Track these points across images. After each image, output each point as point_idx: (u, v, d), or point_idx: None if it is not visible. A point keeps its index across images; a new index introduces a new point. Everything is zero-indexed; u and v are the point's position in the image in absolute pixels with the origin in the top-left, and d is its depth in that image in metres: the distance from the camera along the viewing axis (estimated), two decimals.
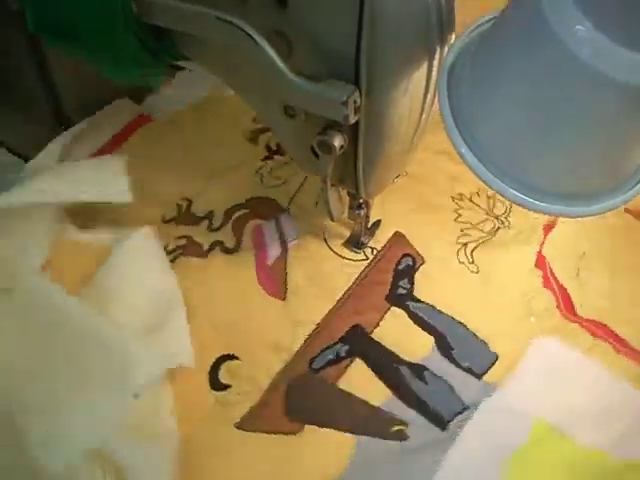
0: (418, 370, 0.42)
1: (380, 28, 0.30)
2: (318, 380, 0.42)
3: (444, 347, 0.43)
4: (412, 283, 0.47)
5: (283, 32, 0.34)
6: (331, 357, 0.43)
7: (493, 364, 0.42)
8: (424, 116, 0.38)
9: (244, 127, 0.58)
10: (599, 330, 0.43)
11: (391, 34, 0.31)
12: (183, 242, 0.50)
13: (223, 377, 0.43)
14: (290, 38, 0.34)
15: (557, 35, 0.23)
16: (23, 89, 0.50)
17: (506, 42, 0.26)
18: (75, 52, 0.39)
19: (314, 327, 0.45)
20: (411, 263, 0.48)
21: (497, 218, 0.51)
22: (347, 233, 0.50)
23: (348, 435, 0.40)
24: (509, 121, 0.27)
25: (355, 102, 0.32)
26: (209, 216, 0.52)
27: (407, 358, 0.43)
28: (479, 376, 0.42)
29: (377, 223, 0.50)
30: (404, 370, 0.42)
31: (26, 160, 0.49)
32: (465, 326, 0.44)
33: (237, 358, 0.44)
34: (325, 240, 0.50)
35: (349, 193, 0.46)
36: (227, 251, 0.50)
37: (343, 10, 0.30)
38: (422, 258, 0.48)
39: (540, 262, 0.47)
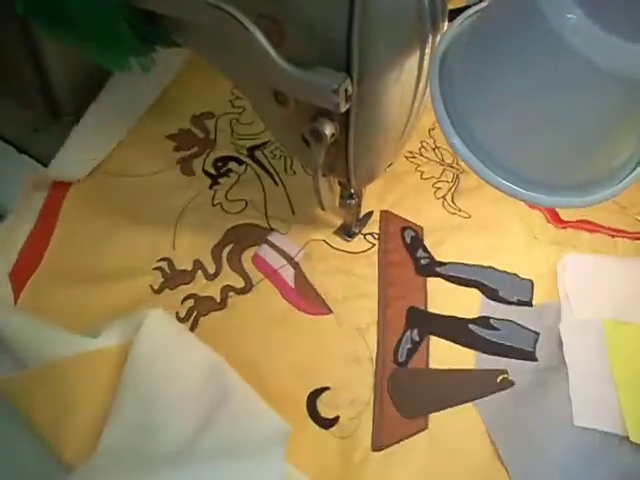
0: (483, 322, 0.45)
1: (372, 15, 0.31)
2: (411, 372, 0.43)
3: (490, 293, 0.46)
4: (427, 251, 0.49)
5: (275, 18, 0.33)
6: (409, 346, 0.43)
7: (532, 289, 0.47)
8: (416, 105, 0.38)
9: (171, 159, 0.53)
10: (589, 225, 0.50)
11: (383, 22, 0.31)
12: (191, 303, 0.45)
13: (325, 412, 0.41)
14: (282, 24, 0.33)
15: (549, 23, 0.23)
16: (14, 75, 0.49)
17: (498, 30, 0.26)
18: (65, 38, 0.37)
19: (375, 327, 0.44)
20: (414, 234, 0.50)
21: (451, 166, 0.54)
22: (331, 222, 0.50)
23: (468, 405, 0.41)
24: (501, 110, 0.27)
25: (346, 90, 0.32)
26: (198, 266, 0.47)
27: (468, 316, 0.45)
28: (529, 304, 0.46)
29: (369, 213, 0.50)
30: (473, 327, 0.45)
31: (17, 147, 0.48)
32: (493, 268, 0.48)
33: (327, 388, 0.42)
34: (325, 241, 0.49)
35: (340, 182, 0.46)
36: (242, 292, 0.46)
37: None
38: (419, 226, 0.50)
39: None
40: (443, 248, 0.49)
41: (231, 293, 0.46)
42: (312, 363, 0.42)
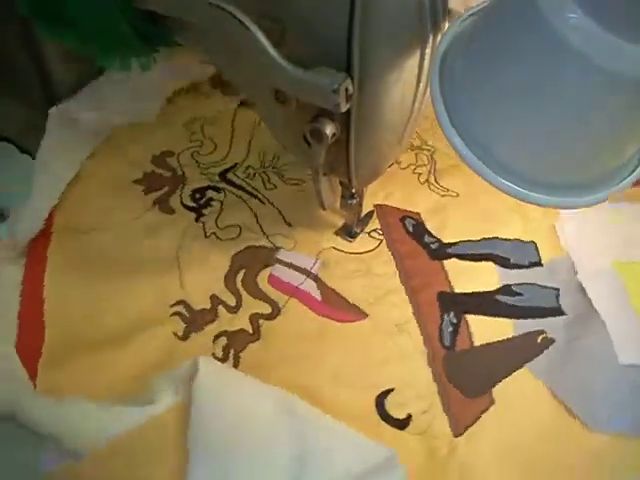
0: (507, 290, 0.47)
1: (372, 15, 0.31)
2: (461, 353, 0.43)
3: (503, 262, 0.48)
4: (433, 235, 0.50)
5: (276, 18, 0.33)
6: (450, 329, 0.44)
7: (537, 250, 0.49)
8: (416, 105, 0.39)
9: (146, 202, 0.51)
10: None
11: (383, 21, 0.32)
12: (224, 341, 0.43)
13: (396, 414, 0.41)
14: (283, 24, 0.33)
15: (550, 23, 0.23)
16: (15, 75, 0.48)
17: (499, 30, 0.26)
18: (66, 38, 0.37)
19: (413, 319, 0.45)
20: (414, 222, 0.51)
21: (421, 148, 0.56)
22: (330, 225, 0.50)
23: (522, 371, 0.43)
24: (502, 110, 0.27)
25: (347, 90, 0.32)
26: (217, 301, 0.45)
27: (491, 288, 0.47)
28: (540, 263, 0.48)
29: (370, 213, 0.50)
30: (500, 297, 0.46)
31: (16, 144, 0.48)
32: (497, 238, 0.50)
33: (390, 390, 0.41)
34: (334, 248, 0.49)
35: (341, 182, 0.46)
36: (272, 317, 0.45)
37: None
38: (416, 213, 0.51)
39: None
40: (447, 230, 0.50)
41: (261, 321, 0.44)
42: (366, 369, 0.42)
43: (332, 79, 0.31)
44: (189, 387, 0.37)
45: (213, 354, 0.42)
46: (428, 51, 0.35)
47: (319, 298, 0.45)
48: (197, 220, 0.50)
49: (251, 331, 0.43)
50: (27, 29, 0.45)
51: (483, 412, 0.40)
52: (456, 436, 0.39)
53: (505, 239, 0.49)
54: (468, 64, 0.29)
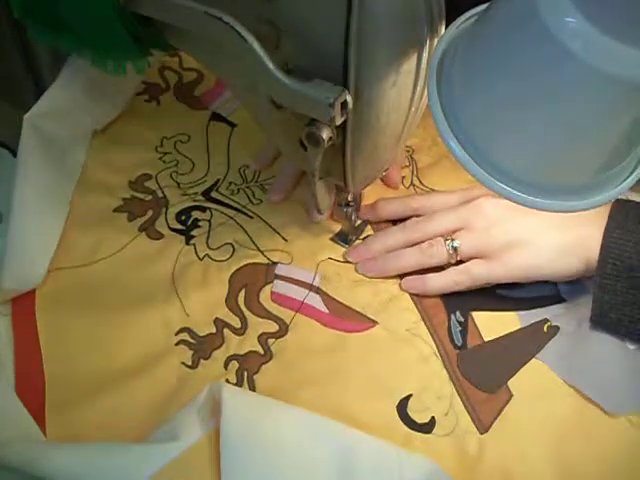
0: (506, 284, 0.47)
1: (368, 19, 0.31)
2: (473, 351, 0.44)
3: None
4: None
5: (272, 22, 0.33)
6: (460, 329, 0.45)
7: None
8: (413, 109, 0.39)
9: (131, 230, 0.50)
10: None
11: (379, 25, 0.32)
12: (236, 365, 0.42)
13: (420, 418, 0.41)
14: (279, 28, 0.33)
15: (548, 27, 0.23)
16: (8, 78, 0.49)
17: (496, 34, 0.26)
18: (60, 42, 0.38)
19: (422, 322, 0.45)
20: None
21: None
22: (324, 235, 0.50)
23: (534, 361, 0.43)
24: (500, 114, 0.27)
25: (342, 104, 0.32)
26: (222, 324, 0.44)
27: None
28: None
29: (365, 221, 0.50)
30: (500, 291, 0.47)
31: (11, 150, 0.47)
32: None
33: (410, 395, 0.41)
34: (331, 259, 0.48)
35: (337, 187, 0.46)
36: (281, 334, 0.44)
37: (331, 0, 0.31)
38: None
39: None
40: None
41: (271, 340, 0.43)
42: (383, 378, 0.41)
43: (328, 93, 0.32)
44: (214, 418, 0.35)
45: (227, 380, 0.41)
46: (425, 55, 0.35)
47: (326, 310, 0.44)
48: (187, 243, 0.48)
49: (262, 352, 0.42)
50: (20, 32, 0.45)
51: (504, 406, 0.40)
52: (482, 433, 0.39)
53: None
54: (466, 69, 0.29)
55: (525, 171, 0.28)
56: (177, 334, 0.43)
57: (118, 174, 0.53)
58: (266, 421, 0.35)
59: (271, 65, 0.32)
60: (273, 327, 0.43)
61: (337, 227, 0.50)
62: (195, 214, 0.51)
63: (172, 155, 0.55)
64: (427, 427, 0.39)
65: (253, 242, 0.48)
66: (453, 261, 0.44)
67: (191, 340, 0.42)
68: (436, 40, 0.35)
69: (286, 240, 0.48)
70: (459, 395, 0.41)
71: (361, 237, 0.49)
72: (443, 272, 0.44)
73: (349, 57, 0.32)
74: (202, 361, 0.42)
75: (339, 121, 0.33)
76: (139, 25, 0.35)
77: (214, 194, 0.52)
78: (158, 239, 0.48)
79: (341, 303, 0.45)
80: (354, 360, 0.42)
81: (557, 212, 0.29)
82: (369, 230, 0.50)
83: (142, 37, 0.36)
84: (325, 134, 0.34)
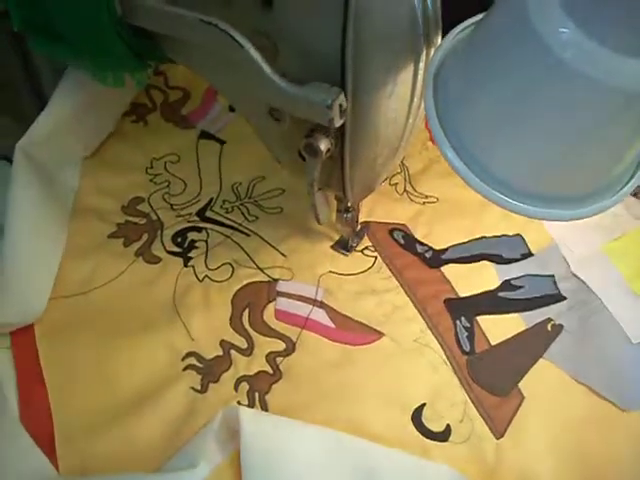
0: (507, 286, 0.48)
1: (365, 30, 0.31)
2: (481, 356, 0.44)
3: (496, 259, 0.49)
4: (425, 244, 0.50)
5: (269, 34, 0.33)
6: (466, 334, 0.45)
7: (525, 242, 0.51)
8: (410, 120, 0.39)
9: (128, 255, 0.49)
10: None
11: (376, 36, 0.32)
12: (247, 387, 0.42)
13: (435, 427, 0.41)
14: (276, 40, 0.33)
15: (542, 37, 0.23)
16: (9, 91, 0.49)
17: (492, 45, 0.26)
18: (60, 54, 0.39)
19: (429, 331, 0.45)
20: (403, 233, 0.51)
21: None
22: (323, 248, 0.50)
23: (541, 362, 0.44)
24: (497, 124, 0.27)
25: (340, 105, 0.32)
26: (228, 346, 0.44)
27: (493, 286, 0.48)
28: (531, 254, 0.50)
29: (366, 227, 0.50)
30: (502, 294, 0.47)
31: (10, 161, 0.45)
32: (484, 237, 0.51)
33: (423, 405, 0.41)
34: (332, 272, 0.48)
35: (336, 197, 0.46)
36: (288, 352, 0.44)
37: (328, 11, 0.31)
38: (402, 224, 0.52)
39: None
40: (434, 236, 0.50)
41: (279, 358, 0.43)
42: (395, 389, 0.41)
43: (326, 94, 0.32)
44: (233, 442, 0.35)
45: (238, 402, 0.40)
46: (422, 65, 0.35)
47: (331, 325, 0.44)
48: (186, 265, 0.48)
49: (271, 371, 0.42)
50: (21, 44, 0.45)
51: (517, 409, 0.41)
52: (498, 438, 0.39)
53: (492, 237, 0.50)
54: (462, 79, 0.29)
55: (522, 180, 0.28)
56: (184, 359, 0.42)
57: (110, 199, 0.52)
58: (286, 441, 0.35)
59: (268, 69, 0.32)
60: (280, 345, 0.43)
61: (335, 236, 0.50)
62: (191, 235, 0.50)
63: (163, 176, 0.54)
64: (443, 435, 0.39)
65: (252, 260, 0.48)
66: None
67: (198, 364, 0.42)
68: (432, 50, 0.35)
69: (285, 256, 0.48)
70: (472, 401, 0.41)
71: (357, 249, 0.49)
72: None
73: (346, 68, 0.32)
74: (211, 385, 0.41)
75: (338, 123, 0.32)
76: (136, 37, 0.35)
77: (209, 213, 0.52)
78: (156, 263, 0.48)
79: (346, 316, 0.45)
80: (364, 373, 0.42)
81: (554, 221, 0.29)
82: (365, 241, 0.50)
83: (139, 49, 0.36)
84: (323, 145, 0.34)
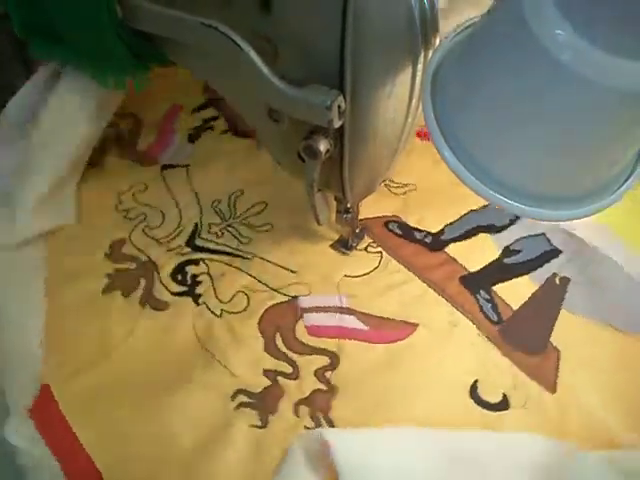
0: (508, 252, 0.49)
1: (363, 31, 0.32)
2: (509, 322, 0.46)
3: (491, 229, 0.52)
4: (421, 230, 0.52)
5: (268, 36, 0.34)
6: (490, 305, 0.47)
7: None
8: (409, 120, 0.39)
9: (133, 307, 0.46)
10: None
11: (375, 36, 0.33)
12: (306, 410, 0.41)
13: (493, 399, 0.42)
14: (275, 42, 0.34)
15: (539, 39, 0.23)
16: (10, 94, 0.48)
17: (489, 47, 0.27)
18: (61, 58, 0.40)
19: (456, 310, 0.46)
20: (398, 223, 0.52)
21: None
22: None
23: (564, 313, 0.46)
24: (495, 126, 0.27)
25: (339, 107, 0.32)
26: (273, 374, 0.43)
27: (496, 255, 0.50)
28: (519, 217, 0.53)
29: (366, 227, 0.50)
30: (507, 260, 0.50)
31: None
32: (472, 210, 0.53)
33: (476, 381, 0.43)
34: (347, 276, 0.49)
35: (336, 198, 0.46)
36: (334, 365, 0.43)
37: (327, 12, 0.31)
38: (395, 215, 0.53)
39: None
40: (427, 221, 0.51)
41: (327, 373, 0.43)
42: (446, 373, 0.42)
43: (325, 96, 0.32)
44: (323, 465, 0.34)
45: (305, 427, 0.39)
46: (420, 66, 0.36)
47: (365, 328, 0.44)
48: (197, 303, 0.46)
49: (325, 387, 0.41)
50: (22, 48, 0.44)
51: (558, 363, 0.43)
52: (553, 393, 0.41)
53: (479, 208, 0.52)
54: (460, 81, 0.29)
55: (520, 181, 0.29)
56: (233, 398, 0.41)
57: (89, 251, 0.48)
58: (381, 450, 0.35)
59: (267, 71, 0.32)
60: (323, 360, 0.43)
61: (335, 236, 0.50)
62: (190, 269, 0.48)
63: (136, 209, 0.51)
64: (503, 404, 0.41)
65: (263, 284, 0.47)
66: None
67: (250, 400, 0.41)
68: (430, 51, 0.35)
69: (294, 272, 0.47)
70: (516, 365, 0.43)
71: (359, 248, 0.50)
72: None
73: (345, 69, 0.32)
74: (271, 417, 0.40)
75: (337, 124, 0.33)
76: (137, 40, 0.36)
77: (199, 242, 0.50)
78: (165, 309, 0.45)
79: (375, 316, 0.45)
80: (412, 366, 0.43)
81: (554, 221, 0.30)
82: (366, 239, 0.50)
83: (141, 52, 0.37)
84: (322, 146, 0.35)
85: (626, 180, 0.30)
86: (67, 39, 0.37)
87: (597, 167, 0.28)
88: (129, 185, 0.53)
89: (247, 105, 0.38)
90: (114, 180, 0.53)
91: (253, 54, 0.32)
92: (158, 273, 0.47)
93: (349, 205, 0.46)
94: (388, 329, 0.44)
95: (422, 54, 0.35)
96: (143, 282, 0.47)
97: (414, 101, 0.37)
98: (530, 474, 0.34)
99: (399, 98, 0.36)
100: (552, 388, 0.42)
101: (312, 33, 0.32)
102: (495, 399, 0.42)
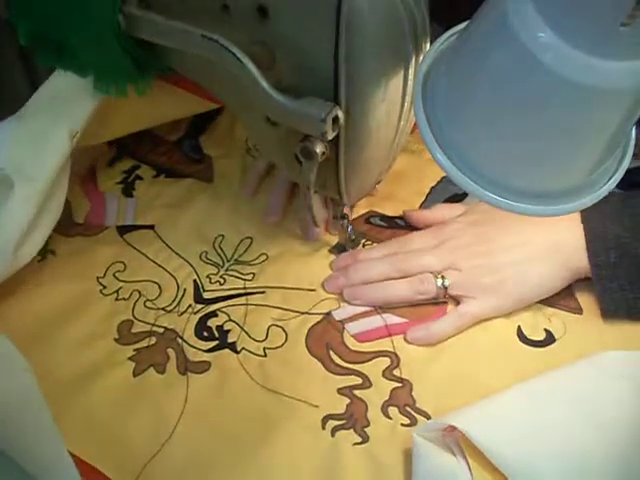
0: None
1: (356, 36, 0.34)
2: None
3: (457, 198, 0.55)
4: (400, 217, 0.53)
5: (265, 43, 0.35)
6: None
7: None
8: (402, 122, 0.41)
9: (152, 377, 0.44)
10: None
11: (367, 43, 0.35)
12: (396, 411, 0.42)
13: (539, 336, 0.45)
14: (272, 49, 0.36)
15: (522, 42, 0.24)
16: (11, 94, 0.49)
17: (476, 50, 0.28)
18: (64, 66, 0.40)
19: None
20: (378, 216, 0.53)
21: None
22: None
23: None
24: (482, 125, 0.28)
25: (334, 119, 0.33)
26: (349, 389, 0.43)
27: None
28: None
29: (362, 233, 0.51)
30: None
31: None
32: (433, 186, 0.55)
33: (519, 326, 0.47)
34: None
35: (332, 201, 0.48)
36: (397, 364, 0.44)
37: (321, 19, 0.33)
38: (370, 210, 0.54)
39: None
40: (401, 209, 0.53)
41: (395, 371, 0.44)
42: (492, 330, 0.45)
43: (320, 109, 0.34)
44: (462, 457, 0.36)
45: (402, 424, 0.41)
46: (411, 71, 0.38)
47: (406, 320, 0.46)
48: (237, 352, 0.44)
49: (401, 384, 0.43)
50: (26, 59, 0.46)
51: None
52: (581, 313, 0.46)
53: (438, 183, 0.55)
54: (449, 82, 0.30)
55: (510, 178, 0.30)
56: (324, 427, 0.40)
57: (94, 345, 0.45)
58: (505, 413, 0.37)
59: (265, 84, 0.33)
60: (385, 362, 0.44)
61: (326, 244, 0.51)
62: (212, 322, 0.46)
63: (124, 288, 0.48)
64: (549, 339, 0.45)
65: (290, 311, 0.46)
66: (441, 298, 0.45)
67: (340, 422, 0.41)
68: (421, 56, 0.37)
69: (314, 290, 0.48)
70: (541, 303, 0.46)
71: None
72: (444, 317, 0.44)
73: (339, 74, 0.34)
74: (367, 429, 0.40)
75: (331, 136, 0.34)
76: (139, 48, 0.37)
77: (207, 295, 0.48)
78: (207, 369, 0.43)
79: (408, 307, 0.46)
80: (466, 339, 0.45)
81: (545, 217, 0.31)
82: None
83: (142, 60, 0.38)
84: (319, 148, 0.36)
85: (611, 177, 0.30)
86: (72, 49, 0.38)
87: (581, 164, 0.29)
88: (104, 267, 0.49)
89: (245, 110, 0.39)
90: (84, 267, 0.49)
91: (252, 67, 0.33)
92: (182, 338, 0.45)
93: (345, 210, 0.47)
94: (425, 316, 0.46)
95: (413, 59, 0.37)
96: (172, 352, 0.44)
97: (406, 104, 0.40)
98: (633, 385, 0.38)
99: (392, 102, 0.38)
100: (581, 310, 0.46)
101: (308, 39, 0.33)
102: (540, 337, 0.45)
